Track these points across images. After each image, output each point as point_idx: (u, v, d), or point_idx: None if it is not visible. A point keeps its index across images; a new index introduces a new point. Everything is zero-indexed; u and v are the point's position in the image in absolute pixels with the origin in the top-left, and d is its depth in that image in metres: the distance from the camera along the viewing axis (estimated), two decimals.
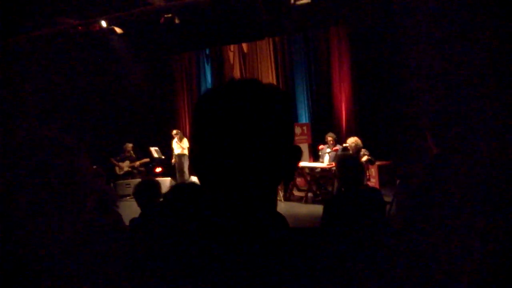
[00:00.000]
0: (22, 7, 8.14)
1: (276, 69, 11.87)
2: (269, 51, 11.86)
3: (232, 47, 12.31)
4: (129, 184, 9.52)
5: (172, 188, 2.02)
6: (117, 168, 10.56)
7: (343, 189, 3.31)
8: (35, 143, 0.96)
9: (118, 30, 9.49)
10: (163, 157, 11.10)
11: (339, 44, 10.87)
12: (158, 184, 3.33)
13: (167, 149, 11.21)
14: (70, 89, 11.00)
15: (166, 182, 9.04)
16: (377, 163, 7.92)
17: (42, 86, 10.11)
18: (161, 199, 1.98)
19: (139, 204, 3.27)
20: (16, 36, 9.33)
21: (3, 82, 9.28)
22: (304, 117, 11.45)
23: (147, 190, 3.18)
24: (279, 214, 0.79)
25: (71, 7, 8.98)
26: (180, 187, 2.00)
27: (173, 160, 10.73)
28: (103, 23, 9.37)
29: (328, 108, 11.03)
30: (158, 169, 11.73)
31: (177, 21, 8.78)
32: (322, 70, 11.22)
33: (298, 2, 8.17)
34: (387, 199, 4.64)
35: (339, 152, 8.13)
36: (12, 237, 0.91)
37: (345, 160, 3.49)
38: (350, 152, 7.73)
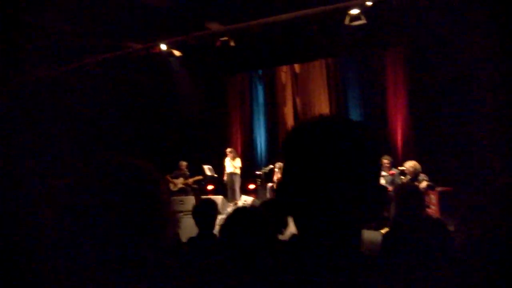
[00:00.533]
0: (93, 29, 8.64)
1: (329, 89, 11.83)
2: (322, 72, 11.87)
3: (284, 67, 12.46)
4: (182, 201, 9.77)
5: (235, 213, 2.04)
6: (171, 185, 10.90)
7: (401, 217, 3.19)
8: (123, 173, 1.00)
9: (176, 53, 9.93)
10: (215, 175, 11.32)
11: (394, 66, 10.66)
12: (216, 205, 3.41)
13: (219, 167, 11.43)
14: (130, 110, 11.58)
15: (218, 200, 9.17)
16: (437, 189, 7.55)
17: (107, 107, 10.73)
18: (223, 224, 2.00)
19: (198, 223, 3.35)
20: (83, 60, 9.98)
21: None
22: None
23: (206, 210, 3.26)
24: (362, 254, 0.78)
25: (134, 32, 9.56)
26: (243, 212, 2.02)
27: (225, 178, 10.91)
28: (163, 47, 9.85)
29: (382, 131, 10.76)
30: (210, 187, 11.96)
31: (232, 43, 9.04)
32: (377, 91, 11.02)
33: (353, 23, 8.11)
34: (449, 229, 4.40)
35: (396, 176, 7.86)
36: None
37: (403, 185, 3.38)
38: (408, 176, 7.46)
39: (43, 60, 8.89)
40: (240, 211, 1.99)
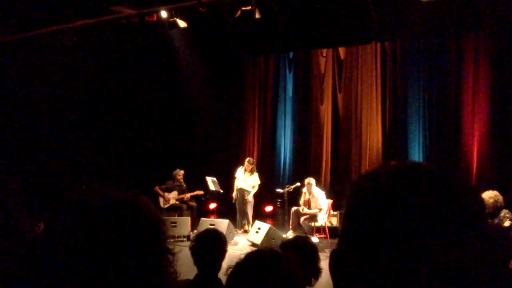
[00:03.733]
0: None
1: (383, 84, 11.79)
2: (375, 59, 11.83)
3: (325, 51, 12.46)
4: (175, 223, 9.82)
5: (248, 260, 2.03)
6: (161, 200, 10.97)
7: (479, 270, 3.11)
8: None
9: (181, 23, 9.99)
10: (221, 190, 11.35)
11: (474, 56, 10.56)
12: (225, 240, 3.41)
13: (227, 180, 11.45)
14: (117, 91, 11.76)
15: (223, 226, 9.18)
16: None
17: (84, 83, 10.99)
18: (232, 273, 2.00)
19: (198, 263, 3.36)
20: (60, 25, 10.25)
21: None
22: (416, 153, 11.16)
23: (211, 246, 3.27)
24: None
25: None
26: (260, 258, 2.01)
27: (233, 195, 10.91)
28: (163, 14, 9.94)
29: (452, 144, 10.63)
30: (213, 205, 12.01)
31: (257, 15, 9.05)
32: (448, 89, 10.93)
33: None
34: None
35: None
36: None
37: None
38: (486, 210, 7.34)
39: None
40: (255, 257, 1.99)
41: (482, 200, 0.83)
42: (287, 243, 3.45)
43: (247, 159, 10.95)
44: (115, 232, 0.97)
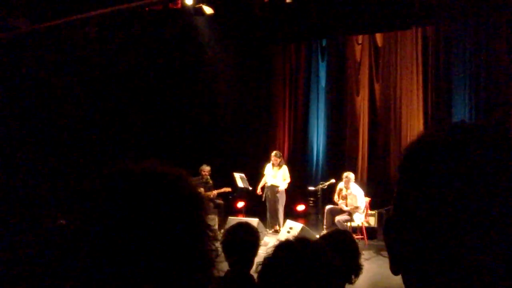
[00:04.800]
0: None
1: (424, 73, 11.65)
2: (416, 46, 11.69)
3: (361, 38, 12.37)
4: None
5: (282, 249, 2.03)
6: None
7: None
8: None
9: (207, 9, 10.05)
10: (250, 188, 11.36)
11: None
12: (257, 233, 3.41)
13: (256, 177, 11.47)
14: (141, 83, 11.89)
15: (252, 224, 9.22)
16: None
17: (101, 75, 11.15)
18: (265, 264, 2.00)
19: (229, 257, 3.38)
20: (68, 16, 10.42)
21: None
22: None
23: (243, 240, 3.27)
24: None
25: None
26: (296, 248, 2.01)
27: (263, 193, 10.91)
28: (189, 0, 9.99)
29: (503, 138, 10.43)
30: (241, 204, 12.04)
31: None
32: (498, 82, 10.72)
33: None
34: None
35: None
36: None
37: None
38: None
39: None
40: (290, 247, 1.98)
41: None
42: (326, 237, 3.44)
43: (273, 153, 10.92)
44: (158, 204, 0.97)
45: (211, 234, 1.10)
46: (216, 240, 1.12)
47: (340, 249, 3.09)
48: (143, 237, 0.93)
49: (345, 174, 9.87)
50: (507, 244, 0.70)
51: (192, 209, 1.03)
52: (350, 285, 3.17)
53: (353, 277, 3.17)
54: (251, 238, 3.36)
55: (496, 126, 0.81)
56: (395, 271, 0.84)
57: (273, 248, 1.98)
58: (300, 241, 2.02)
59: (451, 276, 0.73)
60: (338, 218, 9.61)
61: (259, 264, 1.98)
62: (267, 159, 11.13)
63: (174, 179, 1.04)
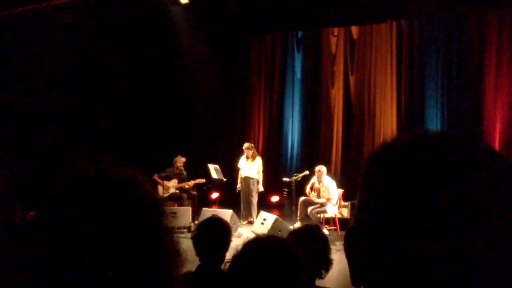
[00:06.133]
0: None
1: (398, 64, 11.74)
2: (390, 39, 11.76)
3: (336, 30, 12.39)
4: (174, 213, 9.84)
5: (252, 246, 2.03)
6: (160, 188, 11.02)
7: None
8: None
9: None
10: (224, 179, 11.37)
11: (499, 36, 10.49)
12: (229, 228, 3.41)
13: (230, 169, 11.48)
14: (115, 72, 11.76)
15: (226, 216, 9.17)
16: None
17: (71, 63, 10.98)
18: (234, 260, 2.00)
19: (199, 253, 3.37)
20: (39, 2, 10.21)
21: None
22: None
23: (214, 235, 3.27)
24: None
25: None
26: (265, 245, 2.02)
27: (238, 184, 10.94)
28: None
29: (473, 131, 10.59)
30: (215, 195, 12.04)
31: None
32: (469, 71, 10.87)
33: None
34: None
35: None
36: None
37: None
38: None
39: None
40: (257, 245, 1.99)
41: None
42: (295, 233, 3.45)
43: (245, 145, 10.89)
44: (114, 210, 0.95)
45: (169, 237, 1.09)
46: (175, 242, 1.11)
47: (310, 245, 3.11)
48: (96, 244, 0.91)
49: (317, 168, 9.91)
50: (469, 256, 0.69)
51: (147, 213, 1.02)
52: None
53: (323, 272, 3.19)
54: (222, 233, 3.35)
55: (462, 136, 0.80)
56: (355, 283, 0.83)
57: (241, 246, 1.98)
58: (267, 238, 2.03)
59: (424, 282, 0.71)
60: (310, 209, 9.68)
61: (227, 262, 1.99)
62: (241, 150, 11.12)
63: (129, 182, 1.03)
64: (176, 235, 1.10)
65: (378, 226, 0.75)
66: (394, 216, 0.73)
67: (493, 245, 0.69)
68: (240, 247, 1.95)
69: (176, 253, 1.08)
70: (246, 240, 2.01)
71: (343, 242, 0.84)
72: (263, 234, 2.07)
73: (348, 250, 0.82)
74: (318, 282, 3.18)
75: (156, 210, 1.04)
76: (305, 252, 3.11)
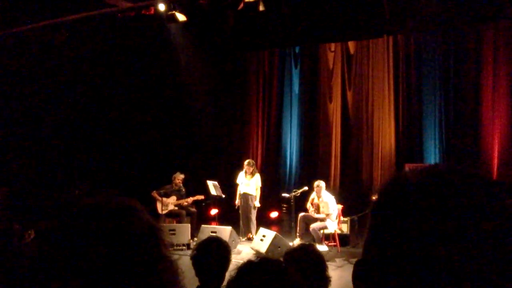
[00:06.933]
0: None
1: (395, 80, 11.78)
2: (387, 54, 11.82)
3: (333, 46, 12.44)
4: (174, 230, 9.81)
5: (246, 269, 2.02)
6: (159, 205, 10.96)
7: None
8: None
9: (180, 17, 10.02)
10: (223, 195, 11.34)
11: (495, 49, 10.53)
12: (229, 249, 3.39)
13: (229, 185, 11.45)
14: (113, 90, 11.79)
15: (225, 233, 9.17)
16: None
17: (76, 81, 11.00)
18: (231, 281, 1.99)
19: (199, 273, 3.35)
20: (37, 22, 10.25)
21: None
22: (432, 153, 11.13)
23: (213, 256, 3.25)
24: None
25: None
26: (260, 268, 2.01)
27: (237, 201, 10.91)
28: (161, 7, 9.95)
29: (471, 143, 10.61)
30: (214, 211, 12.00)
31: (261, 7, 9.07)
32: (466, 84, 10.92)
33: None
34: None
35: None
36: None
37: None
38: None
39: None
40: (254, 266, 1.98)
41: None
42: (291, 253, 3.43)
43: (246, 162, 10.91)
44: (111, 241, 0.96)
45: (167, 264, 1.09)
46: (174, 269, 1.11)
47: (306, 264, 3.10)
48: (90, 270, 0.92)
49: (316, 183, 9.89)
50: None
51: (145, 243, 1.03)
52: None
53: None
54: (222, 253, 3.33)
55: (469, 170, 0.80)
56: None
57: (235, 270, 1.97)
58: (261, 261, 2.02)
59: None
60: (313, 226, 9.62)
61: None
62: (240, 166, 11.10)
63: (129, 212, 1.04)
64: (174, 259, 1.10)
65: (385, 260, 0.76)
66: (399, 253, 0.74)
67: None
68: (235, 271, 1.95)
69: (172, 282, 1.08)
70: (240, 264, 2.00)
71: (352, 272, 0.84)
72: (257, 257, 2.05)
73: (357, 282, 0.83)
74: None
75: (152, 239, 1.04)
76: (301, 271, 3.10)
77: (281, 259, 3.26)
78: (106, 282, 0.93)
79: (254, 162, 11.09)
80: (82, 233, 0.96)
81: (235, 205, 10.95)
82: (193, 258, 3.38)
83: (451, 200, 0.74)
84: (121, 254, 0.96)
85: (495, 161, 10.33)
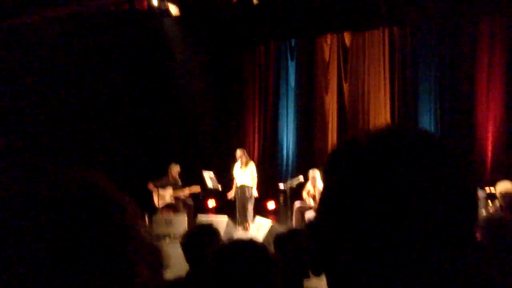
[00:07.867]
0: None
1: (391, 72, 11.76)
2: (383, 46, 11.80)
3: (329, 38, 12.43)
4: (170, 222, 9.85)
5: (228, 248, 2.08)
6: (155, 197, 10.99)
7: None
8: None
9: (174, 10, 10.00)
10: (219, 186, 11.36)
11: (491, 43, 10.57)
12: (217, 234, 3.43)
13: (226, 176, 11.48)
14: (107, 83, 11.75)
15: (221, 223, 9.21)
16: None
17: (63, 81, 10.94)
18: (213, 260, 2.05)
19: (189, 259, 3.40)
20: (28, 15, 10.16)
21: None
22: None
23: (202, 242, 3.29)
24: None
25: None
26: (239, 245, 2.06)
27: (232, 193, 10.92)
28: (154, 1, 9.94)
29: (466, 135, 10.64)
30: (211, 203, 12.04)
31: (255, 1, 9.08)
32: (461, 78, 10.94)
33: None
34: None
35: (480, 202, 7.78)
36: None
37: (492, 219, 3.27)
38: (498, 203, 7.37)
39: None
40: (232, 246, 2.03)
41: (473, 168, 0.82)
42: (281, 237, 3.48)
43: (238, 152, 10.91)
44: (72, 228, 0.89)
45: (138, 239, 1.03)
46: (147, 244, 1.07)
47: (298, 247, 3.15)
48: (53, 245, 0.85)
49: (311, 173, 9.93)
50: (425, 245, 0.71)
51: (111, 218, 0.95)
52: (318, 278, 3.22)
53: (310, 272, 3.21)
54: (211, 239, 3.38)
55: (420, 130, 0.81)
56: (315, 272, 0.85)
57: (222, 245, 2.04)
58: (238, 242, 2.08)
59: (371, 273, 0.73)
60: (308, 215, 9.66)
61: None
62: (236, 158, 11.12)
63: (94, 190, 0.95)
64: (148, 238, 1.07)
65: (332, 222, 0.77)
66: (352, 212, 0.75)
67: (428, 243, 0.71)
68: (215, 252, 2.01)
69: (148, 254, 1.06)
70: (214, 250, 2.05)
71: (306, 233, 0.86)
72: (237, 239, 2.10)
73: (310, 239, 0.84)
74: (307, 283, 3.22)
75: (121, 212, 0.97)
76: (291, 254, 3.17)
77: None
78: (70, 254, 0.86)
79: (245, 152, 11.06)
80: (41, 204, 0.88)
81: (232, 197, 10.96)
82: (183, 245, 3.43)
83: (395, 160, 0.74)
84: (84, 225, 0.90)
85: (489, 150, 10.41)
